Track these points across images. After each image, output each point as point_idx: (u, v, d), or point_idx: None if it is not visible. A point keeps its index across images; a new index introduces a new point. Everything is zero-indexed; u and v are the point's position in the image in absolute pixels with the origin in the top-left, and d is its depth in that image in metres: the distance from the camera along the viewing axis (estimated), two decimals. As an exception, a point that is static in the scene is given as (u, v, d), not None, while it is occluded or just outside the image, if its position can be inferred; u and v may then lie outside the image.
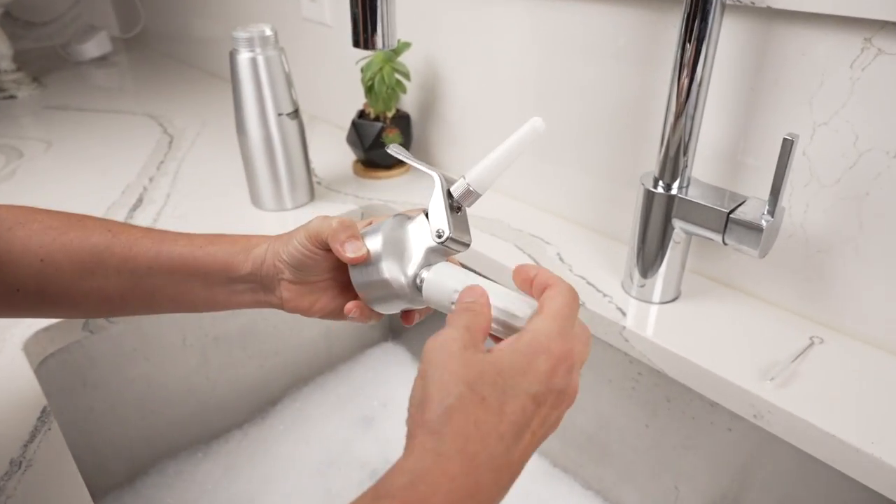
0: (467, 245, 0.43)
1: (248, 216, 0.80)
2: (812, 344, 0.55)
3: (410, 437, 0.30)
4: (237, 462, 0.80)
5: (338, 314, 0.47)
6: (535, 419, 0.31)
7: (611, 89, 0.66)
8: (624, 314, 0.60)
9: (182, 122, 1.14)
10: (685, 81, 0.51)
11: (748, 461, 0.56)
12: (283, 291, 0.45)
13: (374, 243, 0.41)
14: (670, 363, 0.57)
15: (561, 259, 0.69)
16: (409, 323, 0.46)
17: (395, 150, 0.44)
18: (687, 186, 0.57)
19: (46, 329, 0.61)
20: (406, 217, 0.44)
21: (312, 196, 0.84)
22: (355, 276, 0.43)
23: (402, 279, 0.41)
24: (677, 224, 0.57)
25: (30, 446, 0.48)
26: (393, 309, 0.44)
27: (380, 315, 0.45)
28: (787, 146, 0.47)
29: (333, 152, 0.99)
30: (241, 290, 0.45)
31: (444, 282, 0.39)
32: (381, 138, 0.86)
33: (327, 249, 0.43)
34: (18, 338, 0.59)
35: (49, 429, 0.50)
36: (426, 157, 0.94)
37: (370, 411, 0.88)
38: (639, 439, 0.65)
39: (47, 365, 0.63)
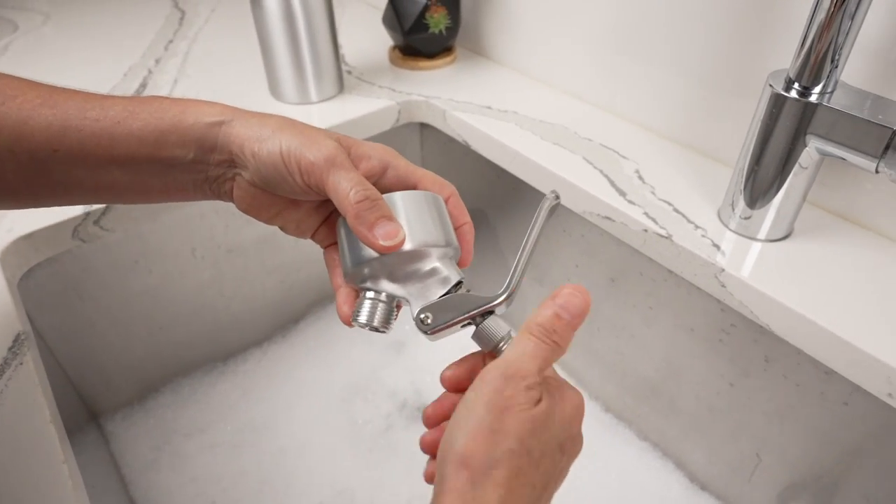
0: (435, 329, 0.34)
1: (267, 109, 0.68)
2: (971, 306, 0.43)
3: (445, 478, 0.27)
4: (256, 384, 0.73)
5: (304, 232, 0.38)
6: (557, 469, 0.30)
7: (729, -43, 0.50)
8: (721, 252, 0.48)
9: (196, -4, 0.99)
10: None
11: (864, 442, 0.46)
12: (237, 189, 0.35)
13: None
14: (778, 317, 0.45)
15: (641, 178, 0.56)
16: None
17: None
18: (832, 92, 0.42)
19: (28, 237, 0.51)
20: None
21: (341, 87, 0.71)
22: (345, 243, 0.34)
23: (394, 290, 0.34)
24: (812, 141, 0.43)
25: (-4, 383, 0.40)
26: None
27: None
28: None
29: (367, 36, 0.84)
30: (182, 181, 0.35)
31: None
32: (424, 19, 0.71)
33: (319, 192, 0.33)
34: (-7, 246, 0.50)
35: (21, 363, 0.41)
36: (476, 45, 0.79)
37: (402, 335, 0.79)
38: (719, 398, 0.55)
39: (35, 275, 0.54)
